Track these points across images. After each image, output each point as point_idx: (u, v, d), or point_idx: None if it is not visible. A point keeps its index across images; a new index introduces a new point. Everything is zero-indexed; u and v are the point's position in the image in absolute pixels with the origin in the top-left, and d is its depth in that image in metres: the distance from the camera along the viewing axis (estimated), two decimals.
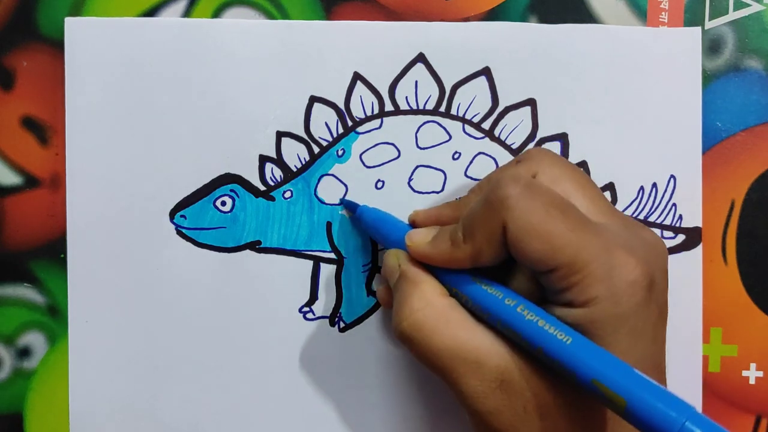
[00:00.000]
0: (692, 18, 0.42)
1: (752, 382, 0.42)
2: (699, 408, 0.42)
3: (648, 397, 0.26)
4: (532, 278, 0.32)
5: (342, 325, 0.42)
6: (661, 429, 0.26)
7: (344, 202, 0.42)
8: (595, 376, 0.28)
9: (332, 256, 0.42)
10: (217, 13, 0.42)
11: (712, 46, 0.42)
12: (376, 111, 0.42)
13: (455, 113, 0.42)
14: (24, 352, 0.42)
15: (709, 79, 0.42)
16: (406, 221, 0.39)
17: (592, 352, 0.28)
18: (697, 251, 0.42)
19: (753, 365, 0.42)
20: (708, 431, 0.25)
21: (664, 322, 0.32)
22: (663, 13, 0.42)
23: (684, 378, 0.42)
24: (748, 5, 0.42)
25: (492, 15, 0.42)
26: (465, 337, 0.31)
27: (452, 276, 0.33)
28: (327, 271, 0.42)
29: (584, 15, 0.42)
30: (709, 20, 0.42)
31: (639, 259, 0.30)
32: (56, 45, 0.42)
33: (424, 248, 0.34)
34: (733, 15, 0.42)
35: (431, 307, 0.32)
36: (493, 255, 0.31)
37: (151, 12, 0.42)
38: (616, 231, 0.31)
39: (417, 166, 0.42)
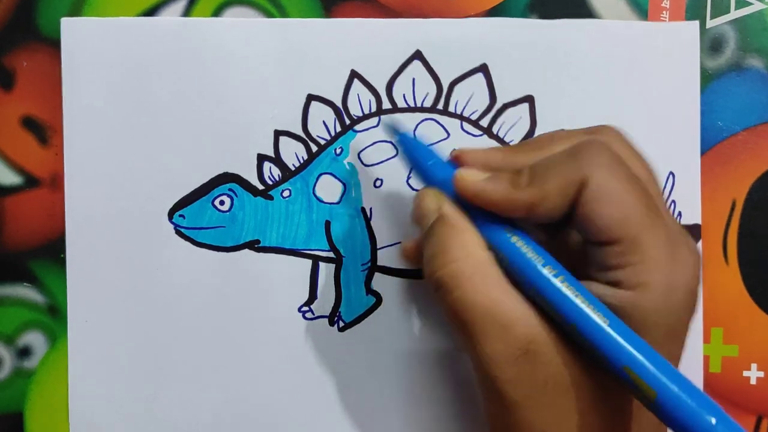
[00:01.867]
0: (693, 17, 0.42)
1: (753, 382, 0.42)
2: None
3: (679, 393, 0.26)
4: (577, 251, 0.31)
5: (341, 324, 0.42)
6: (689, 426, 0.25)
7: (386, 124, 0.40)
8: (628, 363, 0.27)
9: (331, 255, 0.42)
10: (216, 13, 0.42)
11: (713, 45, 0.42)
12: (373, 109, 0.42)
13: (453, 110, 0.41)
14: (24, 352, 0.42)
15: (710, 78, 0.42)
16: (406, 217, 0.39)
17: (628, 338, 0.27)
18: (697, 247, 0.42)
19: (754, 365, 0.42)
20: None
21: (690, 325, 0.31)
22: (664, 11, 0.42)
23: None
24: (749, 4, 0.42)
25: (492, 14, 0.42)
26: (499, 298, 0.30)
27: (493, 232, 0.31)
28: (326, 270, 0.42)
29: (585, 14, 0.42)
30: (711, 19, 0.42)
31: (697, 260, 0.29)
32: (56, 45, 0.42)
33: (477, 183, 0.31)
34: (734, 14, 0.42)
35: (471, 258, 0.31)
36: (555, 208, 0.30)
37: (151, 11, 0.42)
38: (677, 229, 0.31)
39: None
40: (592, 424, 0.30)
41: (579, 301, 0.28)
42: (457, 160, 0.34)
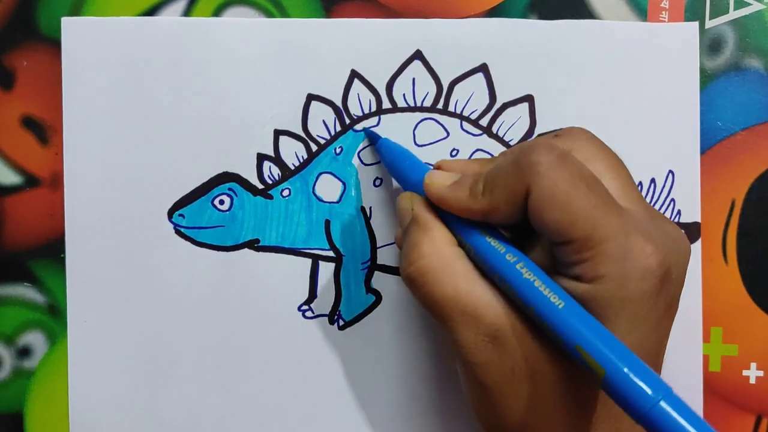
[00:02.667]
0: (692, 17, 0.42)
1: (753, 381, 0.42)
2: (700, 408, 0.42)
3: (627, 371, 0.26)
4: (546, 249, 0.32)
5: (341, 323, 0.42)
6: (636, 404, 0.26)
7: (366, 132, 0.41)
8: (580, 342, 0.28)
9: (331, 254, 0.42)
10: (217, 13, 0.42)
11: (712, 45, 0.42)
12: (373, 108, 0.42)
13: (453, 110, 0.42)
14: (24, 352, 0.42)
15: (709, 78, 0.42)
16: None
17: (582, 320, 0.28)
18: (696, 247, 0.42)
19: (753, 365, 0.42)
20: (681, 412, 0.25)
21: (670, 318, 0.32)
22: (663, 12, 0.42)
23: (684, 377, 0.42)
24: (748, 4, 0.42)
25: (492, 14, 0.42)
26: (466, 289, 0.31)
27: (462, 226, 0.33)
28: (326, 269, 0.42)
29: (585, 15, 0.42)
30: (710, 19, 0.42)
31: (657, 248, 0.30)
32: (56, 45, 0.42)
33: (441, 190, 0.33)
34: (733, 14, 0.42)
35: (439, 254, 0.32)
36: (507, 216, 0.31)
37: (152, 11, 0.42)
38: (639, 218, 0.31)
39: None
40: (562, 412, 0.31)
41: (537, 284, 0.29)
42: (436, 167, 0.36)
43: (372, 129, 0.41)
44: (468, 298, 0.31)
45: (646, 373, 0.26)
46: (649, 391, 0.26)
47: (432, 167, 0.37)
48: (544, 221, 0.29)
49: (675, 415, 0.25)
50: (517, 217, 0.31)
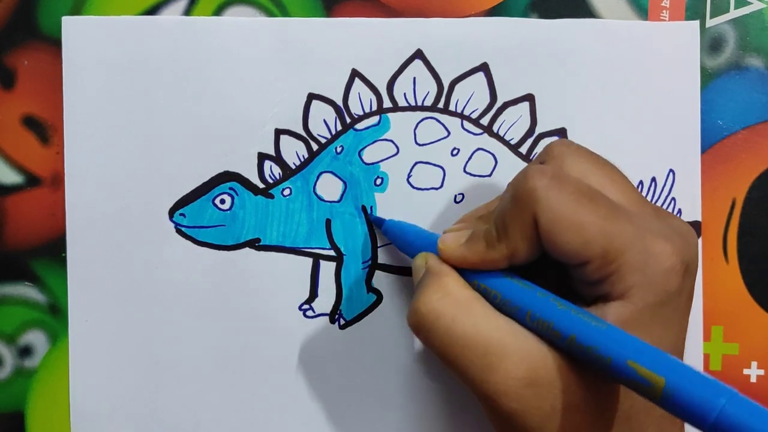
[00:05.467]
0: (693, 16, 0.42)
1: (753, 380, 0.42)
2: None
3: (687, 378, 0.25)
4: (562, 277, 0.31)
5: (342, 322, 0.42)
6: (701, 410, 0.25)
7: (372, 218, 0.42)
8: (633, 357, 0.26)
9: (332, 253, 0.42)
10: (217, 12, 0.42)
11: (713, 44, 0.42)
12: (374, 108, 0.42)
13: (454, 109, 0.42)
14: (25, 351, 0.42)
15: (709, 77, 0.42)
16: (405, 216, 0.40)
17: (626, 337, 0.27)
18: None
19: (754, 363, 0.42)
20: (749, 412, 0.24)
21: (689, 309, 0.31)
22: (664, 11, 0.42)
23: None
24: (749, 3, 0.42)
25: (493, 13, 0.42)
26: (487, 327, 0.29)
27: (483, 276, 0.32)
28: (327, 268, 0.42)
29: (585, 14, 0.42)
30: (710, 18, 0.42)
31: (674, 247, 0.29)
32: (57, 44, 0.42)
33: (457, 250, 0.32)
34: (734, 13, 0.42)
35: (450, 296, 0.31)
36: (529, 252, 0.30)
37: (152, 10, 0.42)
38: (649, 219, 0.30)
39: (416, 163, 0.42)
40: None
41: (574, 313, 0.28)
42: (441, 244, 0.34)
43: (375, 217, 0.42)
44: (492, 335, 0.29)
45: (707, 380, 0.25)
46: (713, 395, 0.24)
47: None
48: (558, 246, 0.29)
49: (743, 416, 0.24)
50: (539, 250, 0.30)
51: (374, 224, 0.41)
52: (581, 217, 0.29)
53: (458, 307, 0.30)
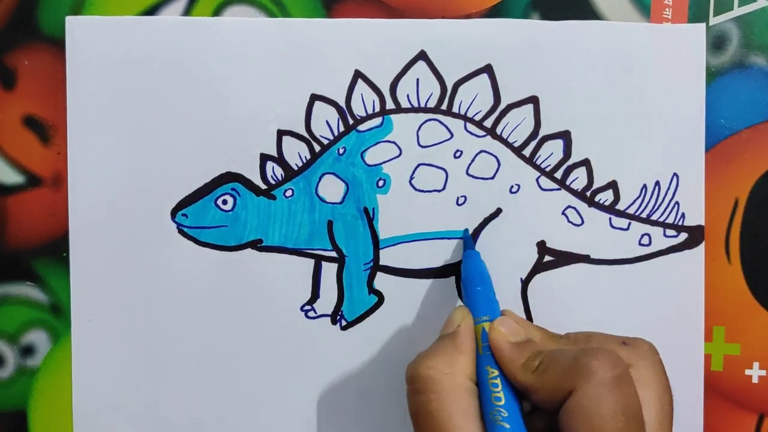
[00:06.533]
0: (696, 14, 0.42)
1: (755, 380, 0.42)
2: (701, 407, 0.42)
3: None
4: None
5: (343, 323, 0.42)
6: None
7: (465, 238, 0.42)
8: None
9: (333, 254, 0.42)
10: (217, 12, 0.42)
11: (716, 42, 0.42)
12: (377, 109, 0.41)
13: (457, 111, 0.41)
14: (27, 351, 0.43)
15: (713, 75, 0.42)
16: (407, 218, 0.40)
17: None
18: (700, 250, 0.42)
19: (756, 364, 0.42)
20: None
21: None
22: (667, 9, 0.42)
23: (686, 376, 0.42)
24: (753, 1, 0.42)
25: (494, 12, 0.42)
26: (458, 423, 0.31)
27: (484, 370, 0.34)
28: (328, 269, 0.42)
29: (586, 11, 0.42)
30: (714, 16, 0.42)
31: None
32: (57, 44, 0.42)
33: (503, 343, 0.34)
34: (738, 11, 0.42)
35: (450, 376, 0.33)
36: (545, 404, 0.31)
37: (152, 10, 0.42)
38: None
39: (418, 165, 0.41)
40: None
41: None
42: (503, 311, 0.37)
43: (469, 238, 0.42)
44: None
45: None
46: None
47: (500, 309, 0.37)
48: (570, 430, 0.30)
49: None
50: (554, 409, 0.31)
51: (464, 242, 0.42)
52: (608, 428, 0.29)
53: (449, 390, 0.32)
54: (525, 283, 0.42)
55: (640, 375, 0.33)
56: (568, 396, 0.30)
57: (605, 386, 0.29)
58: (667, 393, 0.34)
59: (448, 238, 0.42)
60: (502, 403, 0.32)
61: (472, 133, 0.41)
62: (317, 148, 0.42)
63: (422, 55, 0.41)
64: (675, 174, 0.42)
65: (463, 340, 0.34)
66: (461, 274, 0.39)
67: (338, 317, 0.42)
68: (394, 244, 0.42)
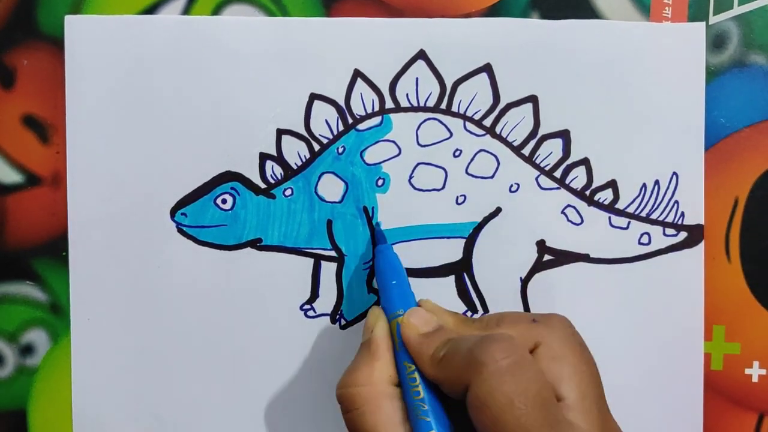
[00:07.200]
0: (696, 13, 0.42)
1: (755, 380, 0.42)
2: (701, 406, 0.42)
3: None
4: None
5: (343, 322, 0.42)
6: None
7: (377, 231, 0.42)
8: None
9: (333, 253, 0.42)
10: (216, 11, 0.42)
11: (716, 41, 0.42)
12: (376, 108, 0.41)
13: (456, 110, 0.41)
14: (27, 350, 0.43)
15: (713, 74, 0.42)
16: (407, 218, 0.40)
17: None
18: (699, 249, 0.42)
19: (756, 363, 0.42)
20: None
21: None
22: (666, 8, 0.42)
23: (686, 376, 0.42)
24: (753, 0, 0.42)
25: (493, 11, 0.42)
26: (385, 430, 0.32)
27: (403, 368, 0.34)
28: (328, 268, 0.42)
29: (586, 10, 0.42)
30: (714, 15, 0.42)
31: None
32: (56, 43, 0.42)
33: (412, 336, 0.34)
34: (738, 9, 0.42)
35: (371, 388, 0.33)
36: (453, 394, 0.31)
37: (151, 10, 0.42)
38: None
39: (418, 164, 0.41)
40: None
41: None
42: (419, 303, 0.37)
43: (381, 231, 0.41)
44: None
45: None
46: None
47: (416, 300, 0.37)
48: (475, 419, 0.29)
49: None
50: (461, 397, 0.31)
51: (375, 235, 0.41)
52: (504, 416, 0.29)
53: (369, 401, 0.33)
54: (524, 283, 0.42)
55: (553, 351, 0.32)
56: (466, 390, 0.30)
57: (497, 377, 0.29)
58: (586, 365, 0.33)
59: (448, 237, 0.42)
60: (421, 397, 0.32)
61: (471, 132, 0.41)
62: (317, 147, 0.42)
63: (421, 55, 0.41)
64: (674, 173, 0.42)
65: (378, 345, 0.35)
66: (375, 270, 0.39)
67: (337, 316, 0.42)
68: (393, 243, 0.41)
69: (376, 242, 0.40)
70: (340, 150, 0.42)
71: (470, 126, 0.41)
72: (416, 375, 0.33)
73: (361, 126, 0.41)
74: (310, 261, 0.42)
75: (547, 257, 0.42)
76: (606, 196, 0.42)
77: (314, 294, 0.42)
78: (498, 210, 0.42)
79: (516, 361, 0.30)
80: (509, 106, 0.41)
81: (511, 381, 0.29)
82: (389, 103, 0.41)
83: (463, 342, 0.31)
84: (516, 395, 0.29)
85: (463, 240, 0.42)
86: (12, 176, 0.42)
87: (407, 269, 0.41)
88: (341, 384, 0.34)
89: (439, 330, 0.34)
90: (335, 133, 0.42)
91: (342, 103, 0.41)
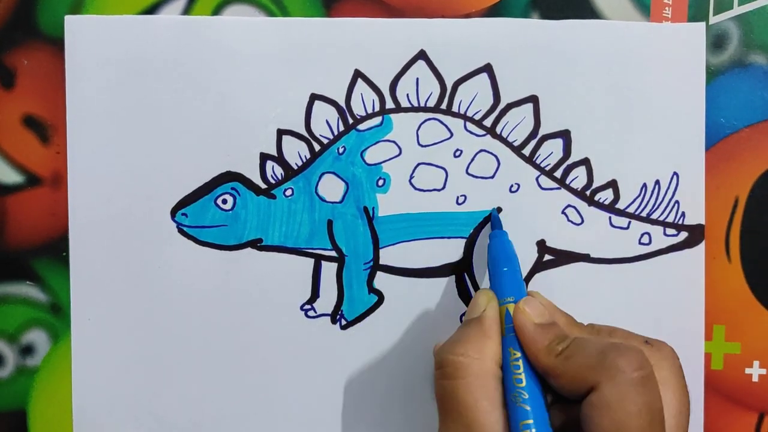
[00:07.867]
0: (696, 13, 0.42)
1: (755, 379, 0.42)
2: (701, 406, 0.42)
3: None
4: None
5: (343, 322, 0.42)
6: None
7: (493, 217, 0.41)
8: None
9: (333, 254, 0.42)
10: (216, 11, 0.42)
11: (716, 41, 0.42)
12: (377, 108, 0.41)
13: (456, 110, 0.41)
14: (27, 350, 0.43)
15: (713, 74, 0.42)
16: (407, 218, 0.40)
17: None
18: (700, 249, 0.42)
19: (756, 363, 0.42)
20: None
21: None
22: (666, 8, 0.42)
23: (686, 375, 0.41)
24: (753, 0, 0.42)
25: (493, 11, 0.42)
26: (484, 410, 0.32)
27: (508, 354, 0.34)
28: (328, 269, 0.42)
29: (586, 10, 0.42)
30: (714, 15, 0.42)
31: None
32: (57, 43, 0.42)
33: (527, 324, 0.34)
34: (738, 9, 0.42)
35: (478, 362, 0.33)
36: (564, 390, 0.32)
37: (151, 10, 0.42)
38: None
39: (418, 164, 0.41)
40: None
41: None
42: (530, 293, 0.37)
43: (498, 218, 0.41)
44: (482, 418, 0.32)
45: None
46: None
47: (527, 290, 0.37)
48: (592, 424, 0.30)
49: None
50: (572, 397, 0.31)
51: (492, 222, 0.41)
52: (629, 425, 0.29)
53: (477, 375, 0.33)
54: (525, 282, 0.42)
55: (662, 376, 0.33)
56: (591, 389, 0.30)
57: (632, 385, 0.30)
58: (685, 397, 0.34)
59: (448, 237, 0.42)
60: (523, 385, 0.32)
61: (471, 133, 0.41)
62: (317, 147, 0.42)
63: (422, 55, 0.41)
64: (675, 173, 0.42)
65: (490, 325, 0.35)
66: (488, 255, 0.39)
67: (338, 317, 0.42)
68: (393, 243, 0.42)
69: (492, 227, 0.41)
70: (341, 150, 0.42)
71: (471, 126, 0.41)
72: (520, 363, 0.33)
73: (361, 126, 0.41)
74: (311, 261, 0.42)
75: (547, 257, 0.42)
76: (606, 196, 0.42)
77: (315, 294, 0.42)
78: (498, 210, 0.42)
79: (647, 375, 0.30)
80: (510, 107, 0.41)
81: (642, 392, 0.30)
82: (390, 104, 0.41)
83: (590, 344, 0.32)
84: (643, 407, 0.30)
85: (464, 240, 0.42)
86: (12, 176, 0.42)
87: (407, 269, 0.41)
88: (449, 350, 0.34)
89: (554, 324, 0.34)
90: (336, 133, 0.42)
91: (342, 103, 0.41)
